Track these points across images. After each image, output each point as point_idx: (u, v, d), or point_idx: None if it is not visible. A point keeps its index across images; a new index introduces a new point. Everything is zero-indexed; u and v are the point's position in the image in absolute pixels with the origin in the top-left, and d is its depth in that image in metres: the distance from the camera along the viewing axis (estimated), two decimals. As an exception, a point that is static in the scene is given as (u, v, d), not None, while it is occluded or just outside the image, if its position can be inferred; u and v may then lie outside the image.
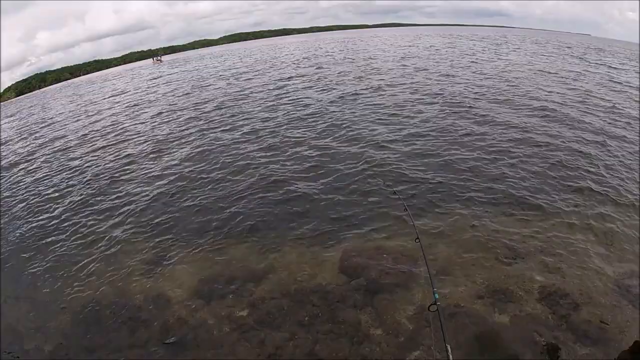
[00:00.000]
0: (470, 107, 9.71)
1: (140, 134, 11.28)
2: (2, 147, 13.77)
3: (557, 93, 11.17)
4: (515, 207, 5.00)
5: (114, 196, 6.87)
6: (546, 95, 10.89)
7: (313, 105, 11.45)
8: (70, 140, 12.35)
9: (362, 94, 12.43)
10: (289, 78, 17.71)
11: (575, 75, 14.93)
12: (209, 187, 6.57)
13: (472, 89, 12.03)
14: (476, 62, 18.72)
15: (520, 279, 3.76)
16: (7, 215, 6.97)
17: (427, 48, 28.58)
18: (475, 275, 3.83)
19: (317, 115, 10.22)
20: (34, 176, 9.12)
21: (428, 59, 21.06)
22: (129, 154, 9.33)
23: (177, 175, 7.29)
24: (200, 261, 4.56)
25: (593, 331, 3.16)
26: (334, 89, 13.70)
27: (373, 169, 6.40)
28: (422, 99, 11.07)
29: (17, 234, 6.14)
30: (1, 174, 9.84)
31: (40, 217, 6.59)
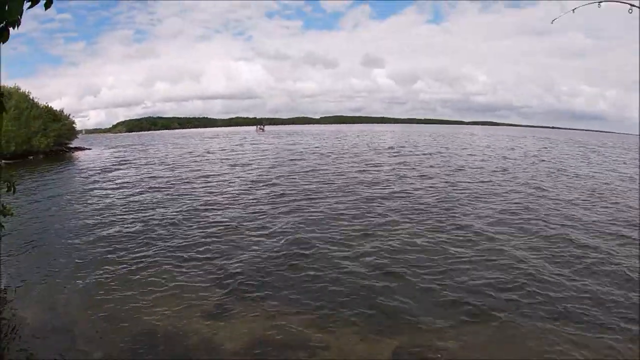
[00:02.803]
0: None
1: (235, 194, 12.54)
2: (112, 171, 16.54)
3: None
4: None
5: (189, 236, 7.57)
6: None
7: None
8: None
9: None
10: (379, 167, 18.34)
11: None
12: (293, 255, 6.82)
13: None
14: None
15: None
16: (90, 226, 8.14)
17: (525, 156, 27.18)
18: None
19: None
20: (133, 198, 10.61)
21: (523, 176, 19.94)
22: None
23: (270, 237, 7.83)
24: (261, 320, 4.60)
25: None
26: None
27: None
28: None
29: (99, 247, 7.14)
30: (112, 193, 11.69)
31: (131, 239, 7.49)
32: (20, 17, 1.73)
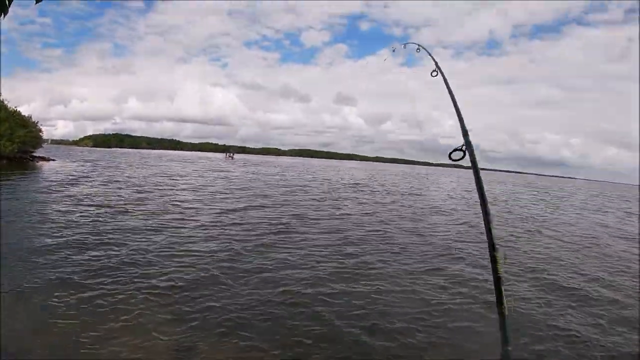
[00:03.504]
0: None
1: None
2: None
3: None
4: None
5: (155, 264, 6.97)
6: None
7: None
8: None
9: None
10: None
11: None
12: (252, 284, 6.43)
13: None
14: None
15: None
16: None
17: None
18: None
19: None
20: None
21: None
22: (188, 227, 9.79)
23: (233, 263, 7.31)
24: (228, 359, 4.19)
25: None
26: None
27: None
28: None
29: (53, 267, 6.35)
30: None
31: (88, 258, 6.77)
32: (9, 5, 1.51)
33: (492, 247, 1.15)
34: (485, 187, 2.71)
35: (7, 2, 1.47)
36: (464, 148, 2.87)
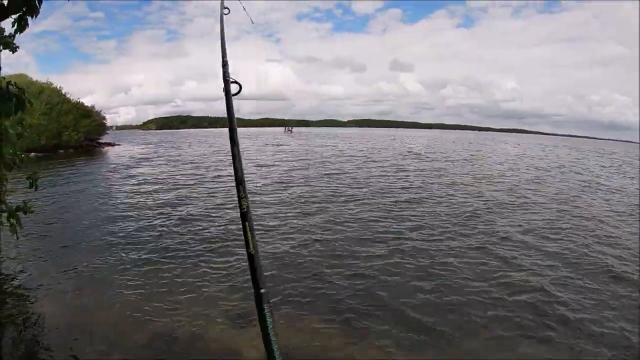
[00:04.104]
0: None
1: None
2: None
3: None
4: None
5: (211, 237, 7.50)
6: None
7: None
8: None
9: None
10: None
11: None
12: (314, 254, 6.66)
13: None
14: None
15: None
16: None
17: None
18: None
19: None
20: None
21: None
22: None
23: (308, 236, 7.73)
24: (283, 328, 4.39)
25: None
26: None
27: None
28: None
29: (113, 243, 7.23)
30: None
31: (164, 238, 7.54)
32: (39, 6, 1.65)
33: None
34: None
35: (37, 3, 1.58)
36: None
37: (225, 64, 1.47)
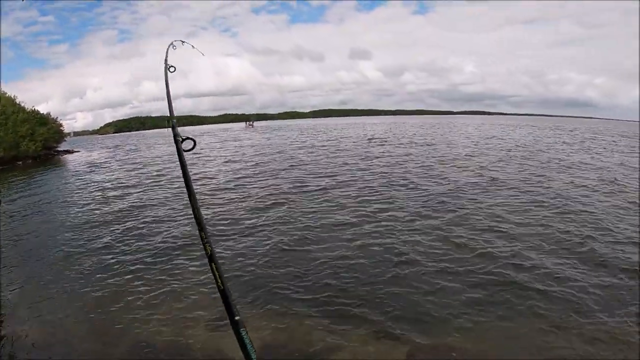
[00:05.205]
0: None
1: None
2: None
3: None
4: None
5: (183, 237, 7.17)
6: None
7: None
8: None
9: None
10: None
11: None
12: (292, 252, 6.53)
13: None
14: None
15: None
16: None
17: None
18: None
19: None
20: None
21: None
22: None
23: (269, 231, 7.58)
24: (267, 324, 4.33)
25: None
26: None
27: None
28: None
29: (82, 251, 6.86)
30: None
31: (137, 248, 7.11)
32: None
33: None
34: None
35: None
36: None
37: (174, 126, 1.51)
